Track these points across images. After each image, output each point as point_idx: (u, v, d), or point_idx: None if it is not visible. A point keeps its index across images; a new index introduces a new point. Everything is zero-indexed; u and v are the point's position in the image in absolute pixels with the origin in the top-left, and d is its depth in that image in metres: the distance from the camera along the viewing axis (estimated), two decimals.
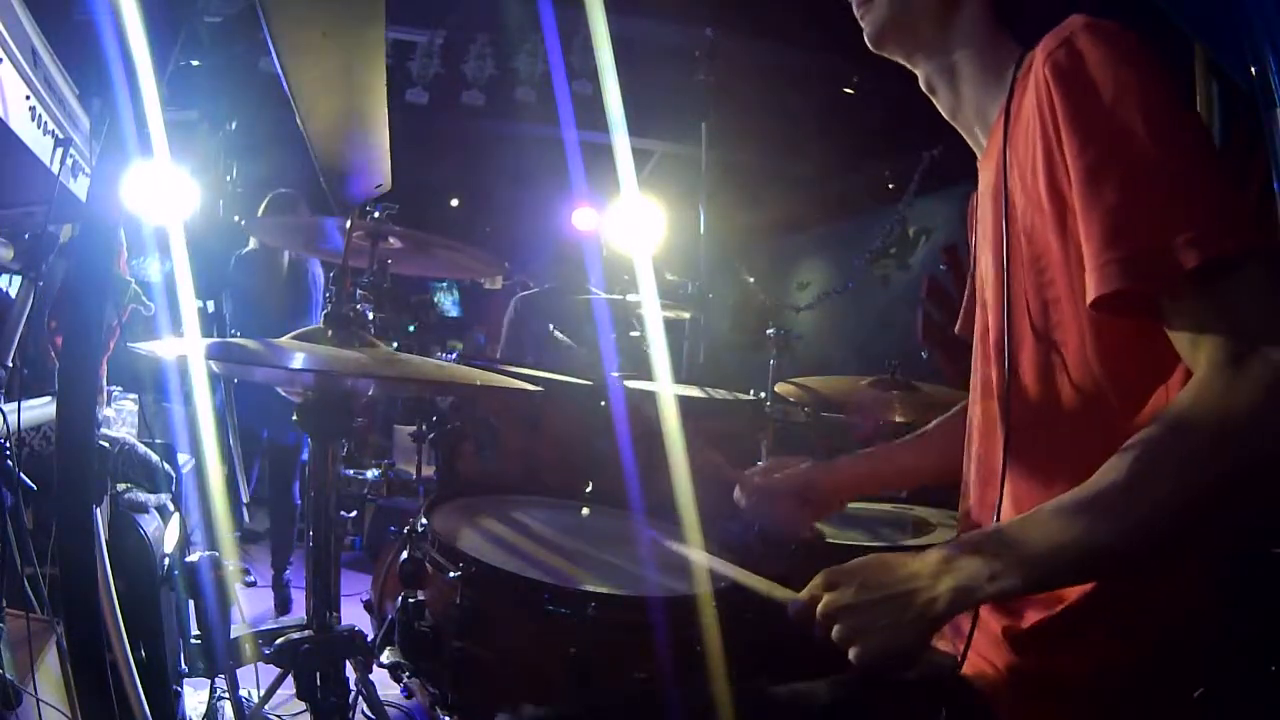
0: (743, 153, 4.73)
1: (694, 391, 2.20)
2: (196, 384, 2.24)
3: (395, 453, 4.27)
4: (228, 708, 1.80)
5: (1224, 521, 0.76)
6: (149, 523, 1.80)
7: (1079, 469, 0.77)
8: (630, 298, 2.43)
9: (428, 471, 2.68)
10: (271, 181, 3.80)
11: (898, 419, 2.15)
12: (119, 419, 2.22)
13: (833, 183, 5.53)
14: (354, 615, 1.67)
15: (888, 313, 5.14)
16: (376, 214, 2.08)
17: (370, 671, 1.71)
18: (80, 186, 1.46)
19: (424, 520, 1.36)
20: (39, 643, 1.32)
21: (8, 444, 1.30)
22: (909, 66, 1.05)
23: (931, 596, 0.77)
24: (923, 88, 1.05)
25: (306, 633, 1.36)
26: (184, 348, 1.31)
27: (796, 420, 2.45)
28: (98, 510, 1.44)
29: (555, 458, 1.88)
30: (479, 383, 1.29)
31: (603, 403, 1.85)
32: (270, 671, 1.77)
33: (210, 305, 3.38)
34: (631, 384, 2.04)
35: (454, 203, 7.88)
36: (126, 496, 1.79)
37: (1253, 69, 1.39)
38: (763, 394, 2.29)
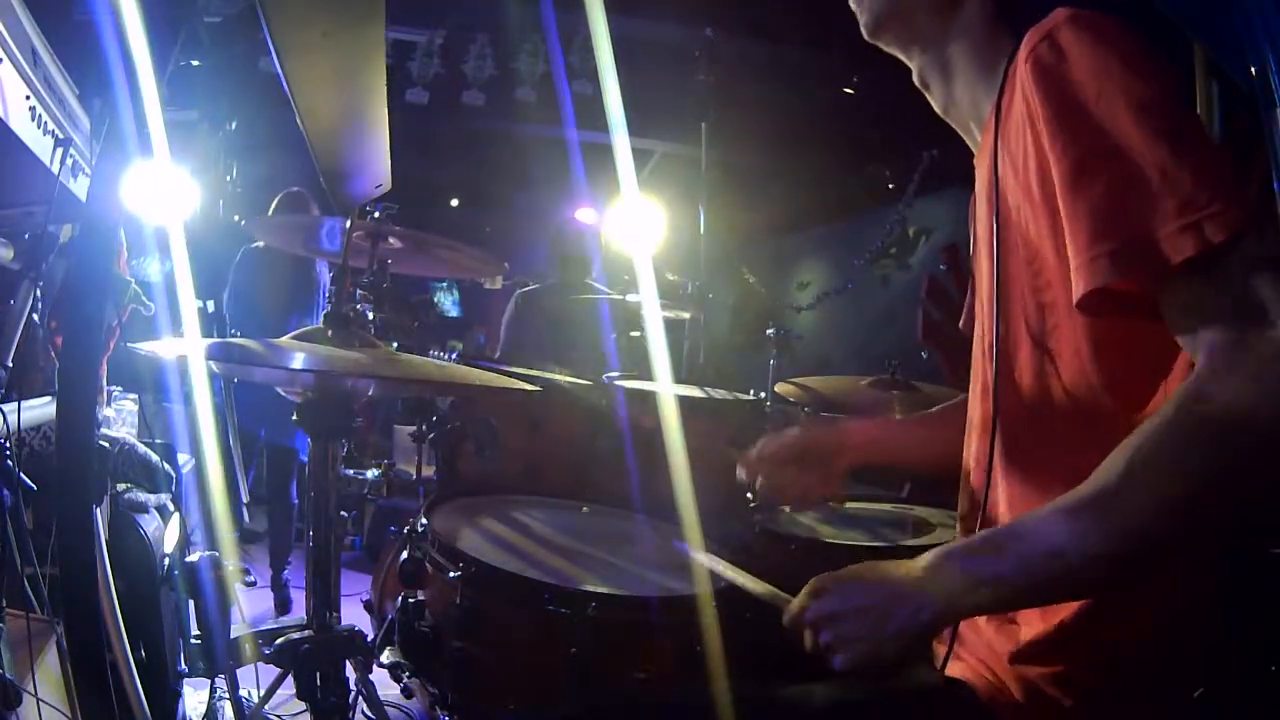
0: (743, 153, 4.72)
1: (694, 391, 2.20)
2: (196, 384, 2.24)
3: (395, 453, 4.29)
4: (228, 708, 1.80)
5: (1220, 517, 0.73)
6: (149, 523, 1.80)
7: (1075, 472, 0.75)
8: (630, 298, 2.43)
9: (428, 471, 2.68)
10: (272, 181, 3.80)
11: (898, 419, 2.15)
12: (119, 419, 2.22)
13: (833, 183, 5.52)
14: (354, 615, 1.66)
15: (888, 313, 5.13)
16: (376, 214, 2.08)
17: (370, 671, 1.70)
18: (80, 186, 1.46)
19: (424, 520, 1.36)
20: (39, 643, 1.32)
21: (8, 444, 1.30)
22: (904, 59, 1.03)
23: (917, 606, 0.76)
24: (915, 82, 1.03)
25: (306, 633, 1.36)
26: (184, 347, 1.31)
27: (796, 420, 2.45)
28: (98, 510, 1.44)
29: (555, 458, 1.88)
30: (478, 382, 1.29)
31: (604, 402, 1.85)
32: (270, 671, 1.77)
33: (210, 305, 3.38)
34: (631, 384, 2.04)
35: (454, 203, 7.88)
36: (126, 496, 1.79)
37: (1253, 69, 1.39)
38: (763, 394, 2.30)
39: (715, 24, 2.85)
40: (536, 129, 4.78)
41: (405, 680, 1.28)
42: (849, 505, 1.83)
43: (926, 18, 0.98)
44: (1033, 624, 0.88)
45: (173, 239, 2.30)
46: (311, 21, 1.16)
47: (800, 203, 5.69)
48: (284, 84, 1.25)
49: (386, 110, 1.41)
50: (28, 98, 1.22)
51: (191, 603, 1.71)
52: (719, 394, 2.22)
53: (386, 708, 1.86)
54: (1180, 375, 0.81)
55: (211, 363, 1.38)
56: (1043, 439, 0.88)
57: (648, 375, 2.18)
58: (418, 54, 4.50)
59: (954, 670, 0.93)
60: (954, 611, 0.77)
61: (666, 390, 2.00)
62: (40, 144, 1.28)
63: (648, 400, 1.90)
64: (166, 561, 1.79)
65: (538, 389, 1.37)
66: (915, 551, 0.82)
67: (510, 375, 1.58)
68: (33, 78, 1.22)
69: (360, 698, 1.73)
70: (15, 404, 1.36)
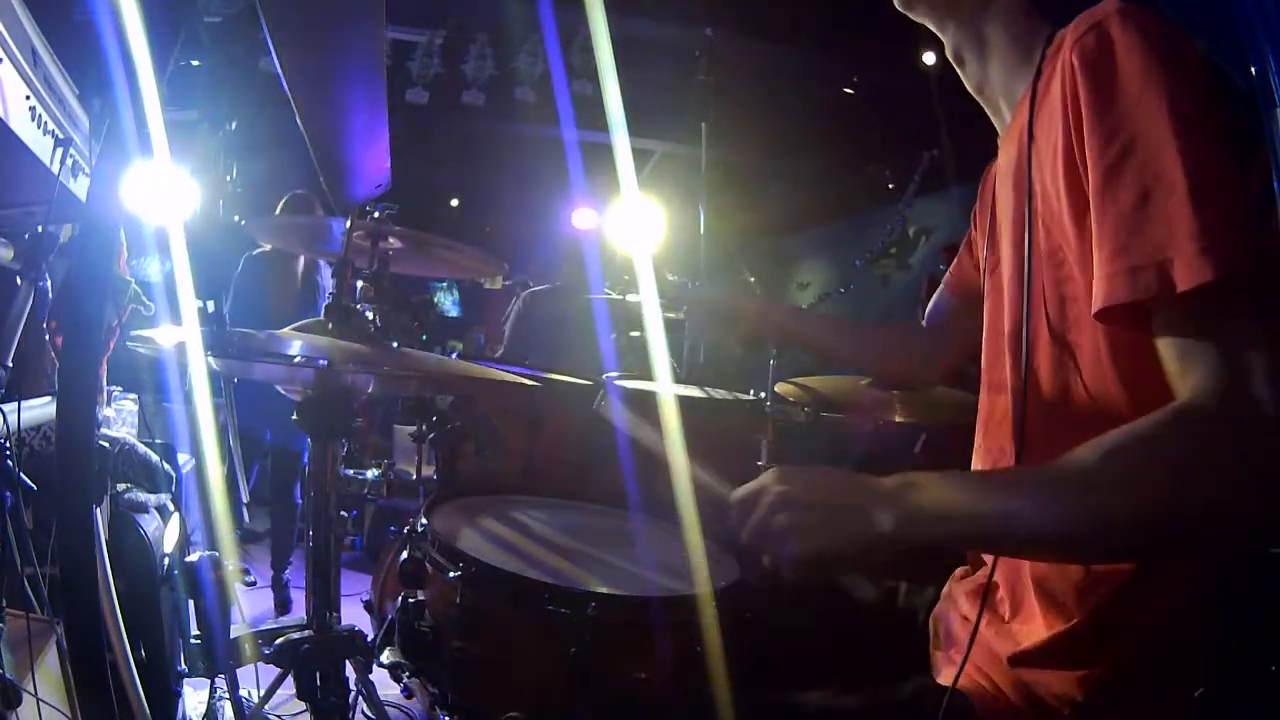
0: (743, 153, 4.72)
1: (694, 391, 2.20)
2: (196, 384, 2.24)
3: (395, 453, 4.28)
4: (228, 708, 1.80)
5: (1178, 536, 0.72)
6: (149, 523, 1.80)
7: None
8: (629, 298, 2.43)
9: (428, 471, 2.68)
10: (272, 181, 3.80)
11: (898, 419, 2.15)
12: (119, 419, 2.22)
13: (833, 183, 5.53)
14: (354, 615, 1.67)
15: (888, 313, 5.14)
16: (376, 214, 2.08)
17: (370, 671, 1.71)
18: (80, 186, 1.46)
19: (424, 520, 1.36)
20: (39, 643, 1.32)
21: (8, 444, 1.30)
22: (937, 32, 1.02)
23: (878, 515, 0.74)
24: (949, 57, 1.02)
25: (306, 633, 1.36)
26: (182, 335, 1.31)
27: (796, 420, 2.44)
28: (98, 510, 1.44)
29: (555, 458, 1.88)
30: (478, 378, 1.29)
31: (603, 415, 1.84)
32: (270, 671, 1.77)
33: (210, 305, 3.37)
34: (630, 384, 2.04)
35: (454, 203, 7.89)
36: (126, 496, 1.79)
37: (1253, 69, 1.39)
38: (763, 394, 2.29)
39: (715, 24, 2.85)
40: (536, 129, 4.78)
41: (405, 680, 1.28)
42: None
43: None
44: (1033, 625, 0.88)
45: (173, 239, 2.30)
46: (311, 21, 1.16)
47: (800, 203, 5.70)
48: (284, 84, 1.25)
49: (386, 110, 1.41)
50: (28, 98, 1.22)
51: (191, 603, 1.71)
52: (719, 394, 2.22)
53: (386, 708, 1.86)
54: None
55: (211, 359, 1.38)
56: (1058, 434, 0.86)
57: (648, 375, 2.18)
58: (418, 54, 4.51)
59: (949, 676, 0.92)
60: (910, 535, 0.75)
61: (666, 390, 2.00)
62: (40, 144, 1.28)
63: (648, 408, 1.89)
64: (166, 561, 1.79)
65: (537, 384, 1.36)
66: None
67: (510, 373, 1.57)
68: (33, 78, 1.22)
69: (360, 698, 1.73)
70: (15, 404, 1.36)
